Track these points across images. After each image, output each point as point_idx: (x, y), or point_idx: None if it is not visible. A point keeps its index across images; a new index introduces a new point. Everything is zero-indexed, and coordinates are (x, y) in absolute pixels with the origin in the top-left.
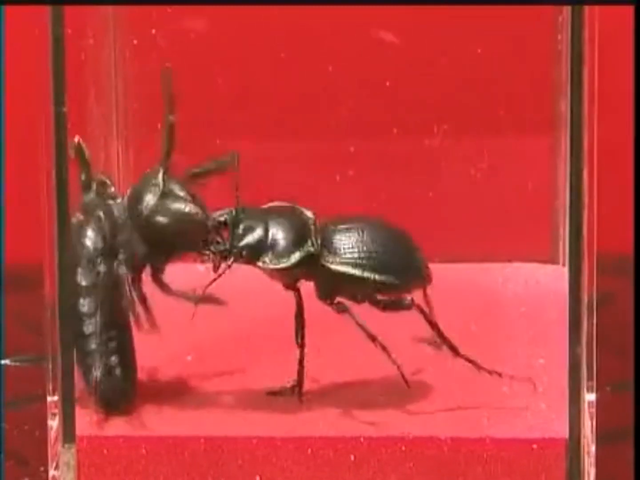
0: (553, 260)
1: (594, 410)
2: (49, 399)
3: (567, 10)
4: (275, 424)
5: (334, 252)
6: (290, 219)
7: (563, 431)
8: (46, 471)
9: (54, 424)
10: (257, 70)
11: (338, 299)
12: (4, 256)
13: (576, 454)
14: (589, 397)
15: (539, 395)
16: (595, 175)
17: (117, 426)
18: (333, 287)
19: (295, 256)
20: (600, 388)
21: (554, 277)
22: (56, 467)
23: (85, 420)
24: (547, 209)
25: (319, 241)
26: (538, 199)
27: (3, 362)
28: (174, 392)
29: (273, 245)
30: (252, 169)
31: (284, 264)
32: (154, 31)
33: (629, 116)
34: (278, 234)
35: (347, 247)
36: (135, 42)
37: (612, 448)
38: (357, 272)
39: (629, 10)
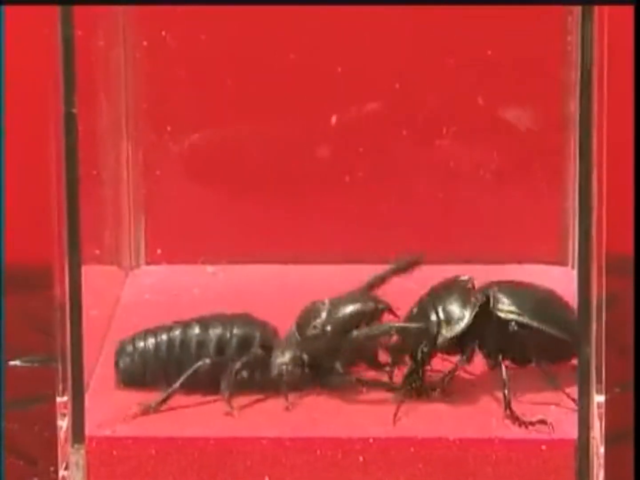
0: (562, 262)
1: (603, 411)
2: (58, 399)
3: (577, 11)
4: (284, 425)
5: (502, 302)
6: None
7: (572, 432)
8: (56, 471)
9: (63, 424)
10: (267, 71)
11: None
12: (4, 256)
13: (585, 455)
14: (598, 398)
15: (548, 396)
16: (604, 176)
17: (127, 427)
18: (501, 341)
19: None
20: (610, 389)
21: (563, 278)
22: (66, 468)
23: (95, 420)
24: (556, 210)
25: (484, 296)
26: (547, 201)
27: (12, 363)
28: (183, 392)
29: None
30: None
31: (460, 326)
32: (163, 33)
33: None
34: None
35: (517, 300)
36: (145, 43)
37: (621, 449)
38: (528, 320)
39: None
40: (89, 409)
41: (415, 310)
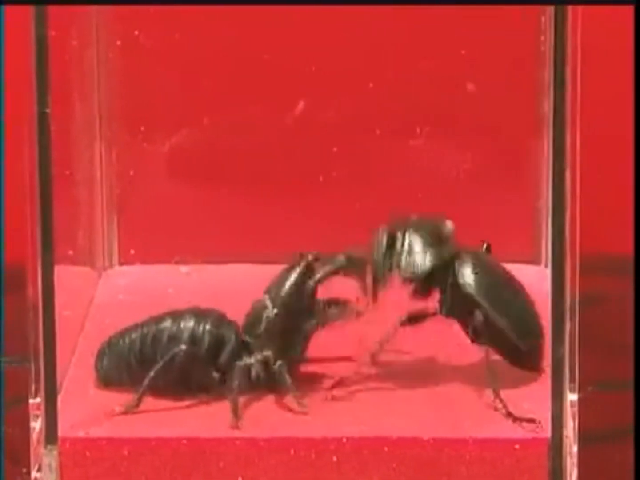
0: (535, 262)
1: (576, 410)
2: (31, 400)
3: (550, 11)
4: (258, 425)
5: (466, 271)
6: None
7: (545, 431)
8: (29, 473)
9: (36, 425)
10: (241, 71)
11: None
12: (4, 256)
13: (558, 454)
14: (572, 397)
15: (521, 395)
16: (577, 175)
17: (100, 428)
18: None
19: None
20: (583, 388)
21: (537, 277)
22: (39, 469)
23: (68, 421)
24: (530, 210)
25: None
26: (520, 200)
27: None
28: (156, 393)
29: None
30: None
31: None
32: (137, 32)
33: (612, 116)
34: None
35: (481, 278)
36: (118, 43)
37: (594, 448)
38: (485, 303)
39: (611, 11)
40: (62, 410)
41: (383, 234)
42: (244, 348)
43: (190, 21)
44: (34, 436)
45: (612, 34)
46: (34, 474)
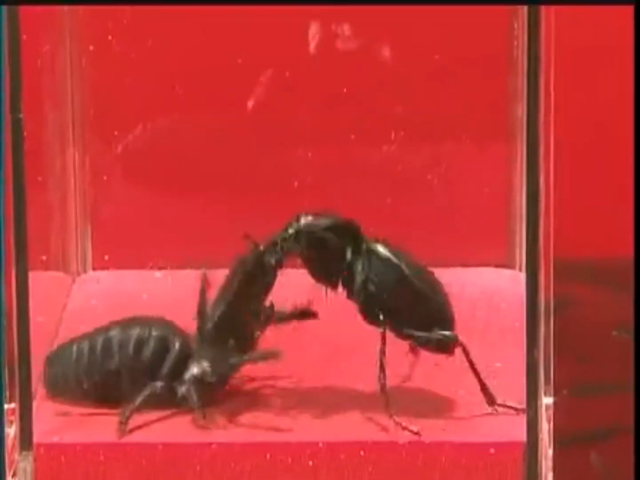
0: (509, 265)
1: (551, 413)
2: (5, 406)
3: (522, 14)
4: (234, 430)
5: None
6: None
7: (521, 435)
8: (4, 478)
9: (11, 431)
10: (216, 76)
11: None
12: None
13: (534, 458)
14: (547, 400)
15: (497, 399)
16: (551, 180)
17: (75, 433)
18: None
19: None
20: (558, 392)
21: (511, 281)
22: (14, 475)
23: (43, 427)
24: (503, 213)
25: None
26: (494, 204)
27: None
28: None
29: None
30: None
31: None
32: (110, 37)
33: (587, 120)
34: None
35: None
36: (91, 48)
37: (569, 452)
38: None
39: (585, 11)
40: (36, 416)
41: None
42: (190, 358)
43: (164, 25)
44: (9, 442)
45: (586, 35)
46: (9, 479)
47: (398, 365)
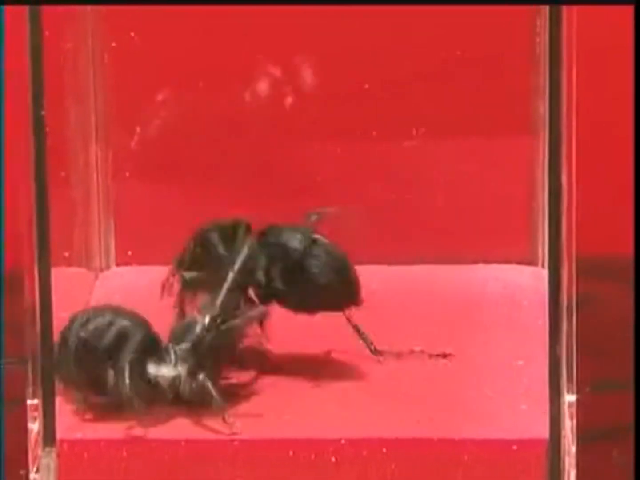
0: (532, 262)
1: (574, 410)
2: (29, 402)
3: (545, 12)
4: (256, 427)
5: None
6: None
7: (543, 432)
8: (27, 475)
9: (34, 427)
10: (239, 72)
11: None
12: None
13: (557, 455)
14: (569, 397)
15: (519, 396)
16: (574, 177)
17: (98, 429)
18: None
19: None
20: (580, 389)
21: (533, 278)
22: (37, 471)
23: (66, 423)
24: (526, 210)
25: None
26: (517, 201)
27: None
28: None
29: None
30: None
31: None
32: (132, 34)
33: (608, 117)
34: None
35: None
36: (113, 44)
37: (592, 448)
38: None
39: (607, 11)
40: (60, 411)
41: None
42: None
43: (186, 22)
44: (32, 438)
45: (607, 34)
46: (32, 475)
47: (423, 362)
